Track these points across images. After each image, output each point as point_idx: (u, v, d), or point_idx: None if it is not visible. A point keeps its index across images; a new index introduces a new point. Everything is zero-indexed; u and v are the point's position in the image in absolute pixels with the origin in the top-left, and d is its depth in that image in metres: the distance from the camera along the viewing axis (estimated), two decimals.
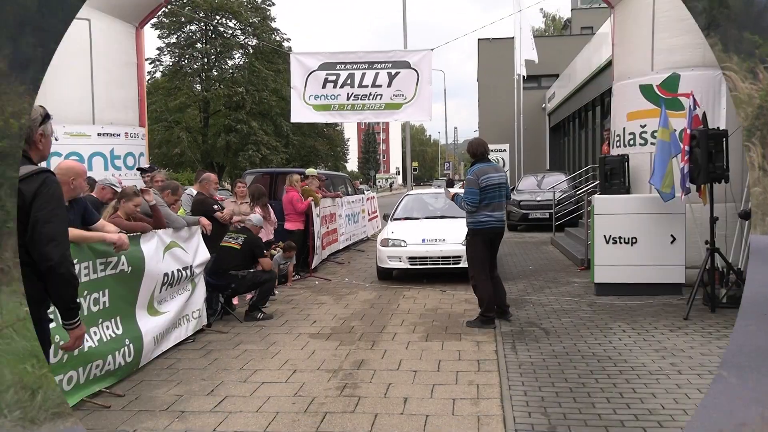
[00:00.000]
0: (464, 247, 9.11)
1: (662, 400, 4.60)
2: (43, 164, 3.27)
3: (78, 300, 3.25)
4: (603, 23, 19.20)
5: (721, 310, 7.21)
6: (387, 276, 9.86)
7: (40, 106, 3.25)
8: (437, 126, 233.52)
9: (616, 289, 8.22)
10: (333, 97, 12.20)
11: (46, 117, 3.23)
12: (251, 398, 4.94)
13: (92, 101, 9.12)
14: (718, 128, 7.69)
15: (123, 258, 5.41)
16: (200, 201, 8.04)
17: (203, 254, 7.05)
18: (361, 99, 12.18)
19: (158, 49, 38.27)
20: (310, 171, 12.14)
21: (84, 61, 9.03)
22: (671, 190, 7.55)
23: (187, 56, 37.96)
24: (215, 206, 7.97)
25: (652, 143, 8.52)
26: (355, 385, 5.19)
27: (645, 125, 8.77)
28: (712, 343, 5.99)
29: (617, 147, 9.28)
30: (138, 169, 9.43)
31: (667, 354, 5.66)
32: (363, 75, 12.12)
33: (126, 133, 9.53)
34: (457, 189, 10.58)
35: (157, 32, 37.11)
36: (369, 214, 17.33)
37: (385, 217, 11.46)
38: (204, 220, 7.05)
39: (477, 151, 7.11)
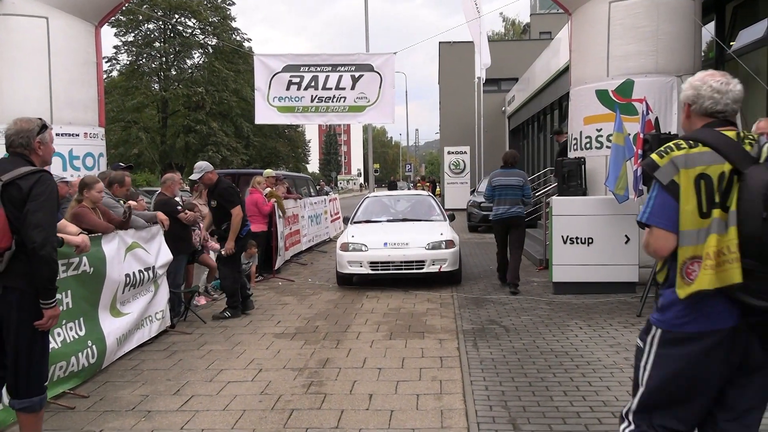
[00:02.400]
0: (429, 251, 9.30)
1: (616, 392, 4.82)
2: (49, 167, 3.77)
3: (56, 284, 3.58)
4: (561, 28, 19.67)
5: None
6: (347, 282, 9.90)
7: (39, 118, 3.74)
8: (399, 128, 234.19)
9: (573, 288, 8.49)
10: (297, 99, 12.24)
11: (44, 127, 3.70)
12: (218, 397, 4.98)
13: (50, 101, 8.98)
14: (670, 132, 8.02)
15: (84, 259, 5.38)
16: (163, 202, 8.00)
17: (166, 255, 7.03)
18: (324, 101, 12.25)
19: (115, 47, 37.62)
20: (267, 172, 12.12)
21: (41, 59, 8.89)
22: (625, 191, 7.83)
23: (144, 55, 37.35)
24: (178, 207, 7.96)
25: (607, 147, 8.80)
26: (320, 382, 5.27)
27: (601, 129, 9.06)
28: None
29: (574, 150, 9.56)
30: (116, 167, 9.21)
31: (621, 349, 5.91)
32: (327, 77, 12.21)
33: (85, 133, 9.41)
34: (404, 191, 10.67)
35: (114, 30, 36.45)
36: (332, 216, 17.38)
37: (345, 221, 11.47)
38: (161, 215, 6.99)
39: (504, 160, 9.61)
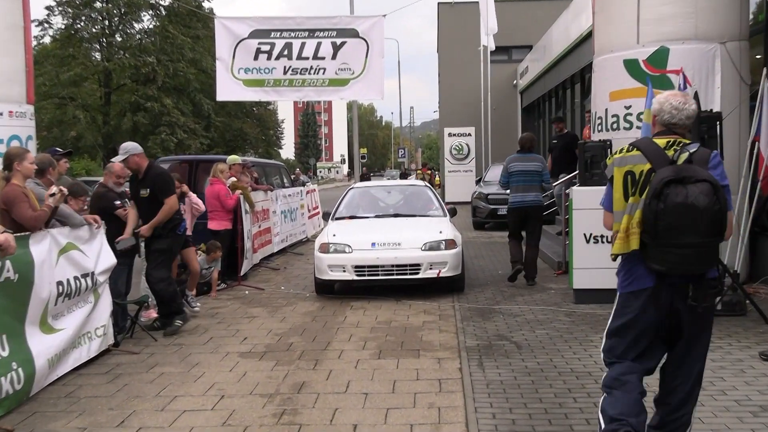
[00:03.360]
0: (425, 253, 9.31)
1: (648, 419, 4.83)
2: None
3: None
4: None
5: (716, 318, 7.54)
6: (328, 290, 9.88)
7: None
8: (390, 105, 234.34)
9: (598, 296, 8.50)
10: (267, 70, 12.20)
11: None
12: (170, 429, 4.95)
13: None
14: (711, 110, 8.05)
15: (8, 263, 5.33)
16: (100, 195, 7.95)
17: (108, 258, 6.98)
18: (300, 73, 12.21)
19: (47, 8, 37.27)
20: (232, 158, 12.07)
21: None
22: None
23: (83, 18, 37.10)
24: (117, 202, 7.91)
25: (638, 127, 8.82)
26: (295, 411, 5.26)
27: (630, 106, 9.08)
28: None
29: (599, 131, 9.59)
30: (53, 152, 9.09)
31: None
32: (303, 45, 12.16)
33: (10, 112, 9.31)
34: (413, 180, 10.72)
35: None
36: (309, 211, 17.36)
37: (325, 217, 11.44)
38: (90, 218, 6.90)
39: (520, 144, 10.41)
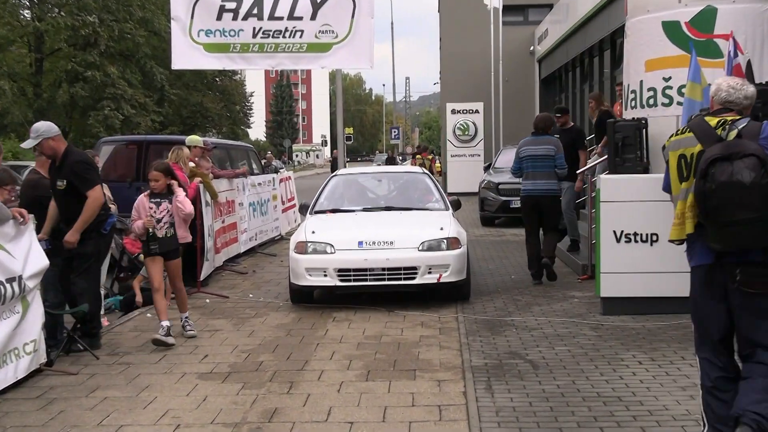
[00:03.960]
0: (423, 254, 9.31)
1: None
2: None
3: None
4: None
5: None
6: (306, 298, 9.87)
7: None
8: (381, 76, 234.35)
9: (630, 306, 8.54)
10: (233, 33, 12.11)
11: None
12: None
13: None
14: (767, 82, 8.06)
15: None
16: (32, 183, 7.92)
17: (39, 260, 6.95)
18: (273, 36, 12.13)
19: None
20: (193, 139, 12.02)
21: None
22: None
23: None
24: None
25: (678, 103, 8.84)
26: None
27: (669, 78, 9.09)
28: None
29: (632, 108, 9.60)
30: None
31: (697, 392, 5.95)
32: (275, 3, 12.10)
33: None
34: (408, 166, 10.76)
35: None
36: (283, 203, 17.35)
37: (303, 210, 11.42)
38: (16, 211, 6.85)
39: (534, 125, 10.91)
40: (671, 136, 4.70)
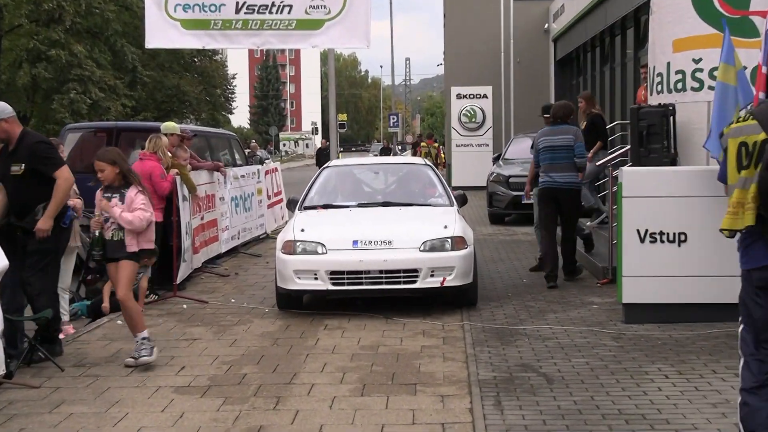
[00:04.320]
0: (425, 255, 9.31)
1: None
2: None
3: None
4: None
5: None
6: (294, 304, 9.88)
7: None
8: (378, 56, 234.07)
9: (656, 313, 8.56)
10: (213, 7, 12.12)
11: None
12: None
13: None
14: None
15: None
16: None
17: None
18: (258, 12, 12.13)
19: None
20: (169, 126, 11.99)
21: None
22: None
23: None
24: None
25: (710, 87, 8.84)
26: None
27: (700, 59, 9.08)
28: None
29: (659, 92, 9.59)
30: None
31: (731, 411, 5.96)
32: None
33: None
34: (406, 157, 10.75)
35: None
36: (269, 197, 17.34)
37: (291, 206, 11.40)
38: None
39: (551, 114, 11.21)
40: (731, 122, 4.87)
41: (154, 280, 10.76)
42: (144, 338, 7.65)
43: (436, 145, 32.64)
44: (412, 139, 44.22)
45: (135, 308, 7.80)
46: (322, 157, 34.84)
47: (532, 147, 11.67)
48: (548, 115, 11.65)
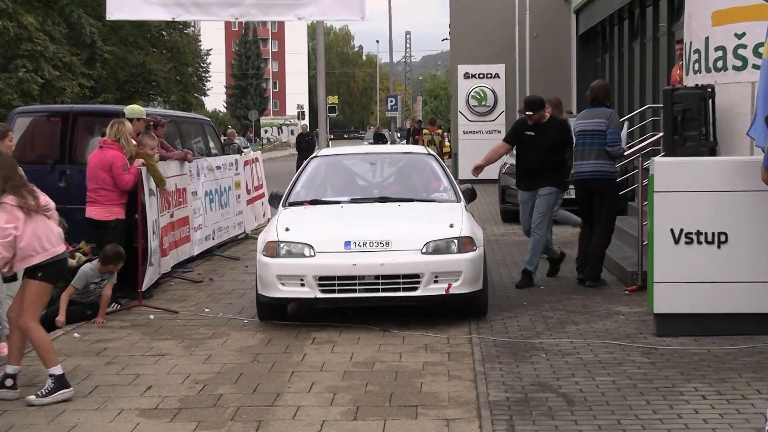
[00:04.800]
0: (428, 258, 9.32)
1: None
2: None
3: None
4: None
5: None
6: (277, 314, 9.87)
7: None
8: (375, 30, 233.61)
9: (692, 325, 8.55)
10: None
11: None
12: None
13: None
14: None
15: None
16: None
17: None
18: None
19: None
20: (134, 109, 11.98)
21: None
22: None
23: None
24: None
25: (754, 66, 8.85)
26: None
27: (743, 34, 9.08)
28: None
29: (696, 72, 9.60)
30: None
31: None
32: None
33: None
34: (406, 145, 10.75)
35: None
36: (249, 191, 17.33)
37: (274, 201, 11.38)
38: None
39: (588, 96, 11.57)
40: None
41: (116, 286, 10.73)
42: (53, 375, 7.18)
43: (441, 131, 32.50)
44: (411, 124, 43.53)
45: (40, 339, 7.27)
46: (304, 143, 34.82)
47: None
48: (530, 112, 11.50)
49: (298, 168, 14.69)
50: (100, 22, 37.33)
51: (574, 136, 11.44)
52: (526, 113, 11.66)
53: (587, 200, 11.35)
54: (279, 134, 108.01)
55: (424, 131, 32.56)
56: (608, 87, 11.76)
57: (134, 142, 11.22)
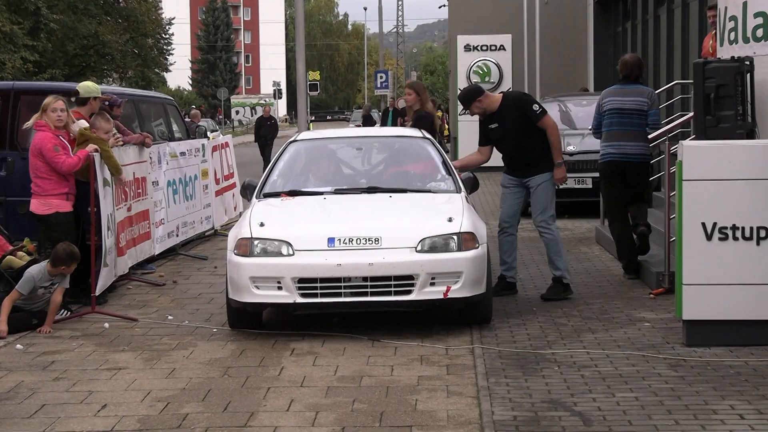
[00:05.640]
0: (423, 256, 9.34)
1: None
2: None
3: None
4: None
5: None
6: (251, 321, 9.87)
7: None
8: None
9: (727, 333, 8.56)
10: None
11: None
12: None
13: None
14: None
15: None
16: None
17: None
18: None
19: None
20: (88, 87, 11.94)
21: None
22: None
23: None
24: None
25: None
26: None
27: None
28: None
29: (731, 43, 9.60)
30: None
31: None
32: None
33: None
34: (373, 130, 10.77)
35: None
36: (218, 181, 17.32)
37: (246, 192, 11.34)
38: None
39: (621, 70, 11.81)
40: None
41: (67, 290, 10.72)
42: None
43: (440, 113, 32.51)
44: (390, 104, 42.22)
45: None
46: (264, 129, 34.70)
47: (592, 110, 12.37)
48: (465, 109, 11.47)
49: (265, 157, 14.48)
50: None
51: (602, 114, 11.69)
52: (465, 113, 11.83)
53: (618, 184, 11.61)
54: (252, 115, 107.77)
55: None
56: (642, 62, 11.96)
57: (84, 123, 11.18)
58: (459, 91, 12.95)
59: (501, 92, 11.51)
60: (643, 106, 11.36)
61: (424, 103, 13.27)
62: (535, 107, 11.15)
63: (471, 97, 11.18)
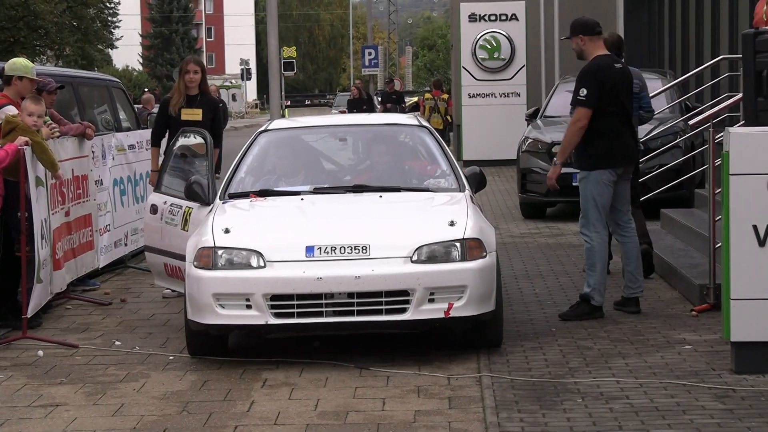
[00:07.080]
0: (420, 268, 9.37)
1: None
2: None
3: None
4: None
5: None
6: (215, 347, 9.91)
7: None
8: None
9: None
10: None
11: None
12: None
13: None
14: None
15: None
16: None
17: None
18: None
19: None
20: (17, 65, 11.97)
21: None
22: None
23: None
24: None
25: None
26: None
27: None
28: None
29: None
30: None
31: None
32: None
33: None
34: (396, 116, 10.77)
35: None
36: None
37: (192, 194, 11.29)
38: None
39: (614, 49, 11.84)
40: None
41: None
42: None
43: (446, 97, 32.39)
44: (389, 87, 42.14)
45: None
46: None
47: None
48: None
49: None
50: None
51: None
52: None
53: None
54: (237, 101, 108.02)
55: (426, 97, 32.53)
56: (623, 41, 12.57)
57: (13, 110, 11.20)
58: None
59: (606, 55, 10.90)
60: (635, 88, 11.62)
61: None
62: (581, 91, 10.91)
63: (581, 29, 11.05)
